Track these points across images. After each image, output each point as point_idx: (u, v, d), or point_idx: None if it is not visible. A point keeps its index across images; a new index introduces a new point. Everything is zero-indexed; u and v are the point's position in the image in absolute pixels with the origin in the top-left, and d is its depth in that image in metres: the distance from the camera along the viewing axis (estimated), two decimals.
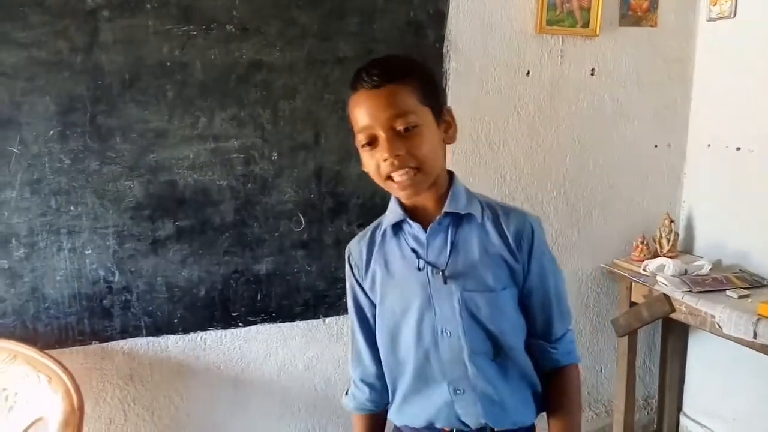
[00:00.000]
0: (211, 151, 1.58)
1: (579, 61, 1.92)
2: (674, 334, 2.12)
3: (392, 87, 0.89)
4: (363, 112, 0.90)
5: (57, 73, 1.43)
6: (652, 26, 1.98)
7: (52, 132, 1.45)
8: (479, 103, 1.84)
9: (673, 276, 1.82)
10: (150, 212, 1.55)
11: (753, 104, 1.88)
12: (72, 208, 1.49)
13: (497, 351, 0.96)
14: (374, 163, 0.91)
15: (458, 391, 0.96)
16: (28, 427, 1.38)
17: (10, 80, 1.40)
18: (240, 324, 1.68)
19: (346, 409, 1.10)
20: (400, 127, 0.88)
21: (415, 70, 0.93)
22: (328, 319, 1.78)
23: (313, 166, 1.67)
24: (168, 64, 1.51)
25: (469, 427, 0.97)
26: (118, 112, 1.49)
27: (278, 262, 1.68)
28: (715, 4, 1.96)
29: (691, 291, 1.74)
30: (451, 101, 1.78)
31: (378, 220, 1.04)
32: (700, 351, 2.12)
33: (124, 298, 1.56)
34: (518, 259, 0.96)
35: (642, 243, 2.00)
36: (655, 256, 1.99)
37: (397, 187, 0.92)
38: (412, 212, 0.98)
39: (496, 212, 0.98)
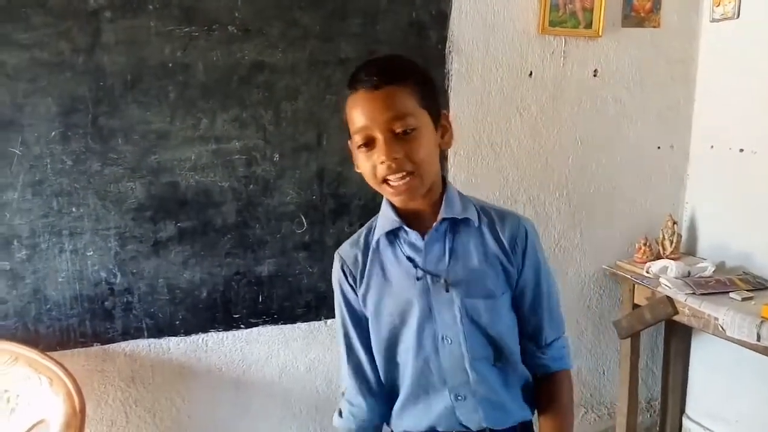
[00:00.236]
0: (213, 152, 1.58)
1: (582, 62, 1.92)
2: (677, 336, 2.12)
3: (391, 88, 0.88)
4: (361, 113, 0.88)
5: (59, 74, 1.43)
6: (654, 27, 1.97)
7: (53, 133, 1.45)
8: (481, 104, 1.83)
9: (676, 278, 1.81)
10: (152, 214, 1.55)
11: (756, 105, 1.87)
12: (74, 209, 1.49)
13: (498, 356, 0.96)
14: (370, 165, 0.89)
15: (459, 398, 0.95)
16: (30, 429, 1.37)
17: (12, 81, 1.40)
18: (242, 326, 1.68)
19: None
20: (398, 130, 0.87)
21: (414, 73, 0.92)
22: (329, 321, 1.77)
23: (315, 167, 1.67)
24: (170, 65, 1.50)
25: (469, 429, 0.97)
26: (120, 113, 1.49)
27: (280, 264, 1.67)
28: (718, 5, 1.95)
29: (694, 293, 1.73)
30: (453, 102, 1.78)
31: (369, 224, 1.02)
32: (703, 353, 2.11)
33: (125, 299, 1.56)
34: (513, 263, 0.96)
35: (645, 245, 1.99)
36: (658, 257, 1.98)
37: (393, 192, 0.90)
38: (406, 218, 0.95)
39: (491, 216, 0.98)
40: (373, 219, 1.01)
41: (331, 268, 1.04)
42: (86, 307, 1.53)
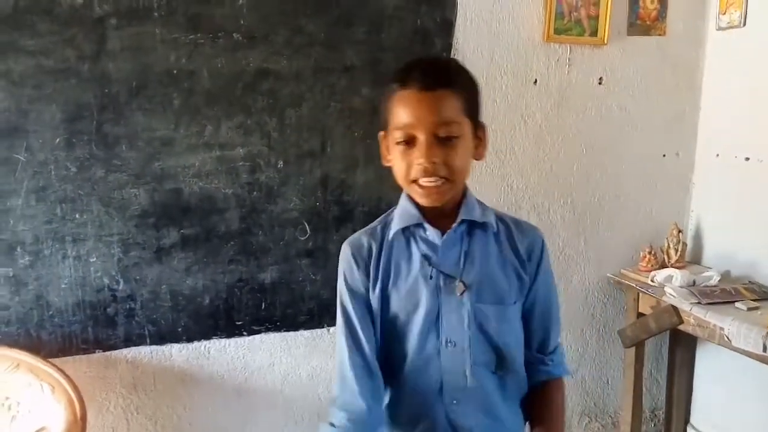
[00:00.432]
0: (217, 159, 1.57)
1: (587, 69, 1.91)
2: (682, 346, 2.10)
3: (443, 92, 0.87)
4: (408, 111, 0.87)
5: (64, 81, 1.43)
6: (660, 35, 1.96)
7: (58, 140, 1.45)
8: (486, 111, 1.78)
9: (681, 287, 1.80)
10: (155, 220, 1.55)
11: (762, 114, 1.86)
12: (77, 215, 1.49)
13: (499, 364, 0.95)
14: (405, 163, 0.89)
15: (454, 402, 0.94)
16: None
17: (17, 88, 1.41)
18: (244, 333, 1.67)
19: None
20: (442, 135, 0.87)
21: (466, 80, 0.92)
22: (332, 329, 1.76)
23: (319, 174, 1.66)
24: (175, 72, 1.50)
25: None
26: (124, 120, 1.49)
27: (283, 271, 1.67)
28: (724, 14, 1.95)
29: (699, 303, 1.72)
30: None
31: (383, 218, 1.00)
32: (708, 362, 2.10)
33: (128, 306, 1.56)
34: (527, 272, 0.97)
35: (650, 253, 1.98)
36: (663, 266, 1.97)
37: (423, 192, 0.90)
38: (424, 216, 0.95)
39: (508, 224, 0.98)
40: (387, 213, 1.00)
41: (334, 275, 1.01)
42: (88, 314, 1.53)
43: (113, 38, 1.45)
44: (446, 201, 0.93)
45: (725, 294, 1.76)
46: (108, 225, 1.51)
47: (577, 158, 1.96)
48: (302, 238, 1.67)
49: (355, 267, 0.96)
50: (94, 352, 1.56)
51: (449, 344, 0.93)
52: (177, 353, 1.63)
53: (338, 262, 0.99)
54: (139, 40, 1.47)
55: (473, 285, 0.93)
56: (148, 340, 1.59)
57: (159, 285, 1.57)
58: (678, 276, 1.83)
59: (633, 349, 1.94)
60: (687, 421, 2.17)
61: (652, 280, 1.89)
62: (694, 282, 1.83)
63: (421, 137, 0.87)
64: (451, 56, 1.74)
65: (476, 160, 0.95)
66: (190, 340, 1.63)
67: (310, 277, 1.69)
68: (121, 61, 1.46)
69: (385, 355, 0.97)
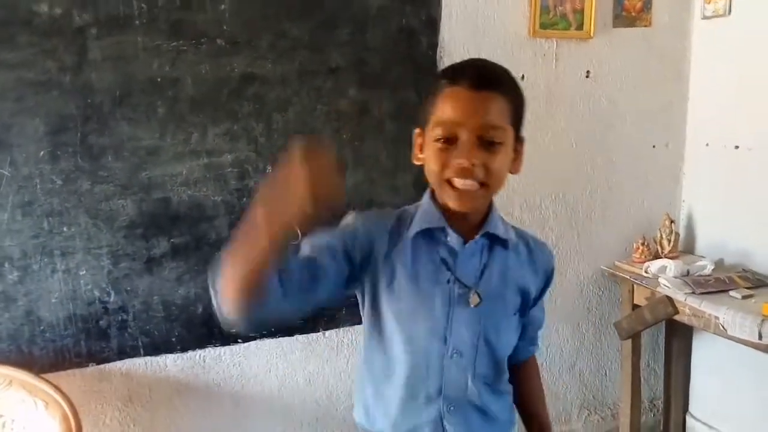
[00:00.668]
0: (204, 166, 1.56)
1: (574, 63, 1.91)
2: (678, 336, 2.11)
3: (495, 95, 0.85)
4: (455, 108, 0.85)
5: (46, 93, 1.41)
6: (646, 26, 1.96)
7: (42, 153, 1.43)
8: None
9: (675, 277, 1.80)
10: (144, 230, 1.53)
11: (750, 102, 1.87)
12: (65, 229, 1.47)
13: (497, 376, 0.97)
14: (441, 161, 0.85)
15: (452, 408, 0.94)
16: None
17: None
18: (239, 340, 1.66)
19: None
20: (486, 138, 0.84)
21: (517, 89, 0.90)
22: (327, 332, 1.76)
23: None
24: (158, 80, 1.49)
25: None
26: (109, 130, 1.47)
27: None
28: (709, 3, 1.95)
29: (693, 292, 1.72)
30: None
31: (398, 213, 0.95)
32: (704, 352, 2.11)
33: (120, 318, 1.54)
34: (535, 288, 0.99)
35: (643, 244, 1.98)
36: (657, 257, 1.97)
37: (455, 195, 0.86)
38: (447, 221, 0.91)
39: (529, 243, 0.99)
40: (402, 210, 0.96)
41: None
42: (80, 327, 1.51)
43: (94, 48, 1.43)
44: (475, 209, 0.90)
45: (719, 283, 1.76)
46: (96, 237, 1.50)
47: (567, 152, 1.95)
48: (294, 243, 1.65)
49: (381, 227, 0.91)
50: (88, 366, 1.54)
51: (455, 354, 0.92)
52: (172, 363, 1.62)
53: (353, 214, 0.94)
54: (120, 49, 1.45)
55: (487, 299, 0.92)
56: (141, 352, 1.58)
57: (151, 295, 1.56)
58: (672, 266, 1.84)
59: (630, 340, 1.95)
60: (686, 410, 2.17)
61: (646, 272, 1.89)
62: (688, 272, 1.84)
63: (464, 136, 0.84)
64: (437, 54, 1.73)
65: (511, 173, 0.92)
66: (184, 349, 1.62)
67: None
68: (104, 71, 1.44)
69: (382, 349, 0.95)
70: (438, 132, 0.86)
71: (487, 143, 0.85)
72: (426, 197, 0.94)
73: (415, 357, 0.93)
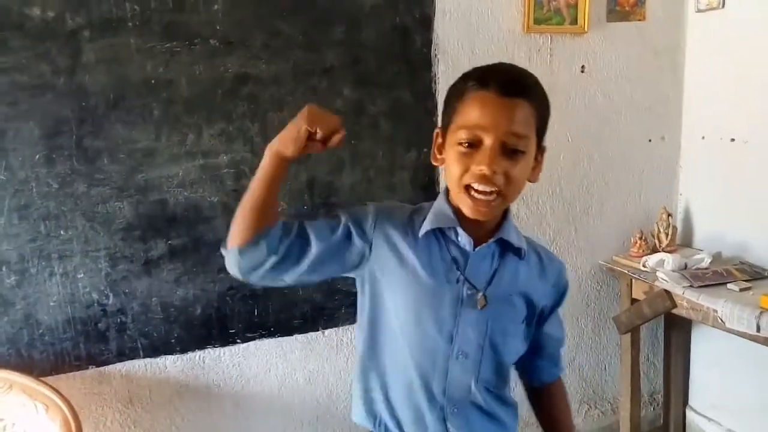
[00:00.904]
0: (200, 167, 1.56)
1: (568, 58, 1.90)
2: (677, 329, 2.11)
3: (523, 103, 0.84)
4: (482, 114, 0.84)
5: (40, 97, 1.41)
6: (640, 20, 1.96)
7: (38, 156, 1.43)
8: None
9: (673, 271, 1.80)
10: (141, 232, 1.53)
11: (745, 94, 1.87)
12: (62, 232, 1.47)
13: (500, 383, 0.97)
14: (462, 166, 0.85)
15: (455, 410, 0.94)
16: None
17: None
18: (238, 341, 1.66)
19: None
20: (510, 145, 0.84)
21: (544, 98, 0.90)
22: (327, 331, 1.76)
23: (305, 177, 1.65)
24: (152, 81, 1.49)
25: None
26: (104, 132, 1.47)
27: None
28: None
29: (691, 286, 1.72)
30: (440, 105, 1.77)
31: (418, 206, 0.96)
32: (703, 344, 2.11)
33: (119, 320, 1.54)
34: (549, 303, 1.00)
35: (640, 238, 1.98)
36: (654, 250, 1.97)
37: (472, 205, 0.86)
38: (459, 221, 0.91)
39: (539, 255, 0.99)
40: (419, 206, 0.96)
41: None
42: (79, 330, 1.52)
43: (88, 51, 1.43)
44: (489, 218, 0.90)
45: (717, 276, 1.77)
46: (94, 240, 1.50)
47: (563, 147, 1.95)
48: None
49: (397, 217, 0.93)
50: (88, 368, 1.54)
51: (461, 355, 0.92)
52: (171, 365, 1.62)
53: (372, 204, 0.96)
54: (114, 52, 1.44)
55: (494, 302, 0.92)
56: (141, 353, 1.58)
57: (149, 297, 1.56)
58: (669, 260, 1.84)
59: (629, 334, 1.95)
60: (685, 402, 2.18)
61: (644, 266, 1.89)
62: (686, 265, 1.84)
63: (488, 142, 0.83)
64: (432, 52, 1.73)
65: (530, 181, 0.91)
66: (183, 351, 1.62)
67: None
68: (97, 74, 1.44)
69: (388, 349, 0.94)
70: (462, 135, 0.85)
71: (510, 151, 0.84)
72: (440, 197, 0.94)
73: (421, 356, 0.92)
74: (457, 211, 0.91)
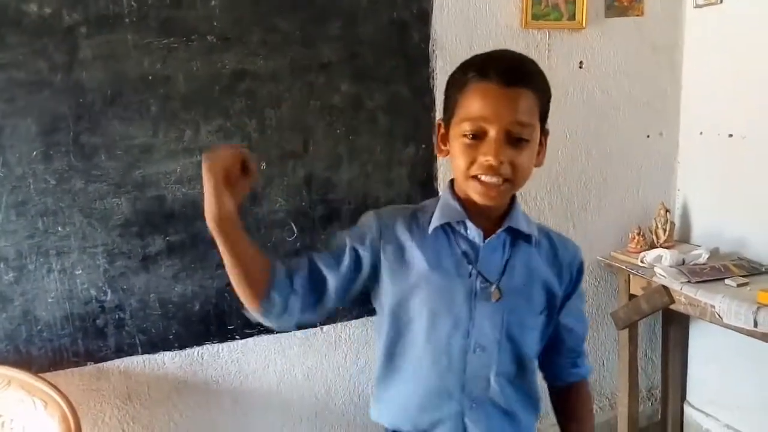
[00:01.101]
0: (198, 163, 1.53)
1: (566, 54, 1.90)
2: (675, 325, 2.12)
3: (525, 91, 0.85)
4: (485, 104, 0.84)
5: (37, 93, 1.41)
6: (638, 16, 1.96)
7: (35, 153, 1.43)
8: None
9: (671, 267, 1.81)
10: (139, 229, 1.53)
11: (743, 90, 1.87)
12: (60, 228, 1.47)
13: (520, 371, 0.95)
14: (468, 157, 0.85)
15: (473, 405, 0.93)
16: None
17: None
18: (236, 337, 1.66)
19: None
20: (515, 134, 0.84)
21: (544, 84, 0.90)
22: (326, 327, 1.76)
23: (303, 173, 1.65)
24: (150, 77, 1.48)
25: None
26: (101, 129, 1.47)
27: None
28: None
29: (689, 281, 1.73)
30: (438, 101, 1.77)
31: (420, 205, 0.96)
32: (701, 340, 2.11)
33: (117, 316, 1.54)
34: (561, 288, 0.97)
35: (638, 234, 1.99)
36: (652, 246, 1.97)
37: (481, 190, 0.86)
38: (467, 213, 0.91)
39: (551, 239, 0.97)
40: (421, 205, 0.96)
41: None
42: (78, 326, 1.52)
43: (85, 47, 1.42)
44: (499, 203, 0.90)
45: (714, 271, 1.77)
46: (92, 236, 1.50)
47: (561, 143, 1.95)
48: (290, 239, 1.66)
49: (376, 224, 0.93)
50: (86, 365, 1.54)
51: (478, 349, 0.91)
52: (170, 361, 1.62)
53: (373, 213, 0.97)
54: (111, 48, 1.44)
55: (508, 294, 0.91)
56: (139, 350, 1.58)
57: (147, 293, 1.56)
58: (667, 256, 1.84)
59: (626, 330, 1.96)
60: (684, 398, 2.19)
61: (642, 261, 1.90)
62: (684, 261, 1.84)
63: (493, 133, 0.84)
64: (430, 47, 1.73)
65: (535, 166, 0.91)
66: (182, 347, 1.62)
67: None
68: (95, 70, 1.44)
69: (404, 347, 0.94)
70: (465, 127, 0.86)
71: (515, 140, 0.84)
72: (446, 191, 0.94)
73: (437, 351, 0.92)
74: (464, 204, 0.91)
